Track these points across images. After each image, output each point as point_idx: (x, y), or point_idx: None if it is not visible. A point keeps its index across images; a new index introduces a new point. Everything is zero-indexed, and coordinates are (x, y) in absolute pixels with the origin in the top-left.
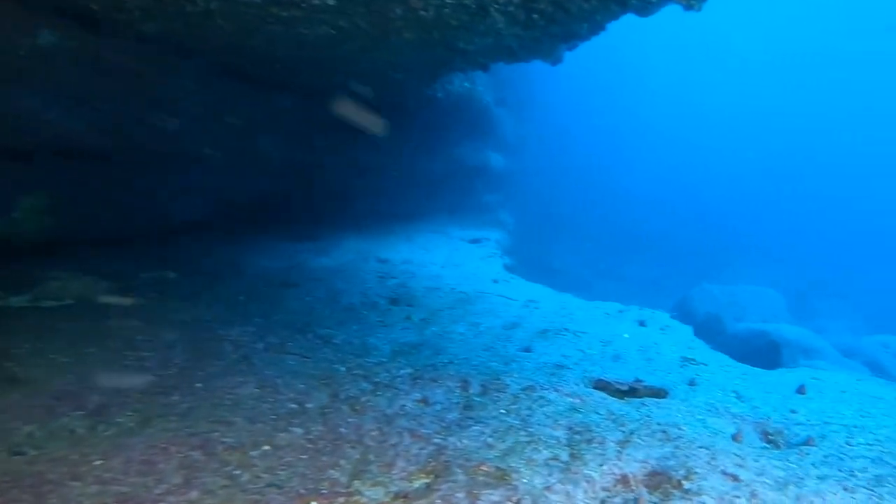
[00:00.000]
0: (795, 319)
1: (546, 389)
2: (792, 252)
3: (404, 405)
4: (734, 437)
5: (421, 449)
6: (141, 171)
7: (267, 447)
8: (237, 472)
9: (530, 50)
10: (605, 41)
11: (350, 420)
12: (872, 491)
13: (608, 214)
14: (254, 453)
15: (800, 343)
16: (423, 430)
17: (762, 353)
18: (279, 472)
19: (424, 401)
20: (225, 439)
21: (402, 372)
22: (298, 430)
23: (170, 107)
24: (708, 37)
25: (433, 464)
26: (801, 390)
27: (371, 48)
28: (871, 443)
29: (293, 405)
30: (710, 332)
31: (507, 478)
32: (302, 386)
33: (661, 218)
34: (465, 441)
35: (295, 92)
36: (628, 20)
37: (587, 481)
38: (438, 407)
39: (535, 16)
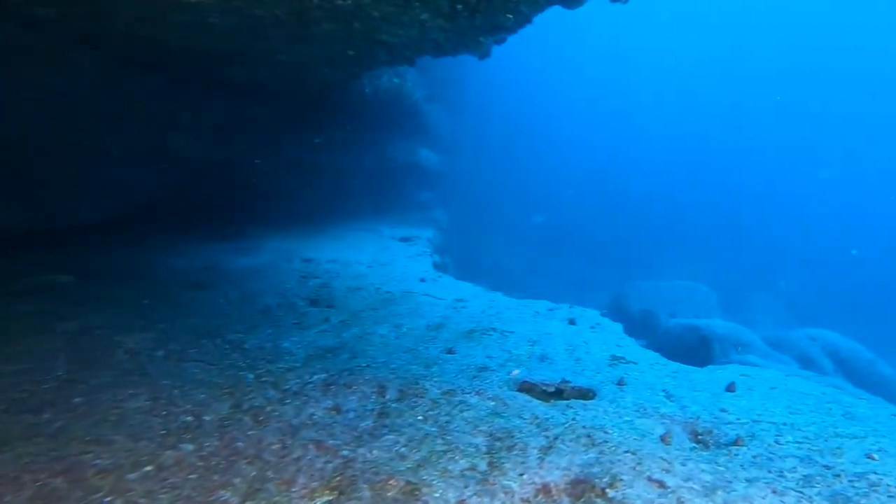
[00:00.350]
0: (727, 313)
1: (467, 393)
2: (722, 247)
3: (313, 414)
4: (663, 439)
5: (326, 462)
6: (40, 166)
7: (149, 468)
8: (107, 499)
9: (456, 43)
10: (546, 38)
11: (251, 433)
12: (801, 493)
13: (546, 212)
14: (132, 476)
15: (730, 337)
16: (331, 442)
17: (694, 347)
18: (160, 497)
19: (336, 409)
20: (99, 461)
21: (315, 378)
22: (189, 447)
23: (70, 98)
24: (641, 33)
25: (338, 479)
26: (730, 388)
27: (291, 40)
28: (800, 441)
29: (188, 418)
30: (645, 327)
31: (417, 492)
32: (202, 396)
33: (598, 215)
34: (375, 452)
35: (214, 87)
36: (560, 15)
37: (505, 492)
38: (351, 415)
39: (459, 6)
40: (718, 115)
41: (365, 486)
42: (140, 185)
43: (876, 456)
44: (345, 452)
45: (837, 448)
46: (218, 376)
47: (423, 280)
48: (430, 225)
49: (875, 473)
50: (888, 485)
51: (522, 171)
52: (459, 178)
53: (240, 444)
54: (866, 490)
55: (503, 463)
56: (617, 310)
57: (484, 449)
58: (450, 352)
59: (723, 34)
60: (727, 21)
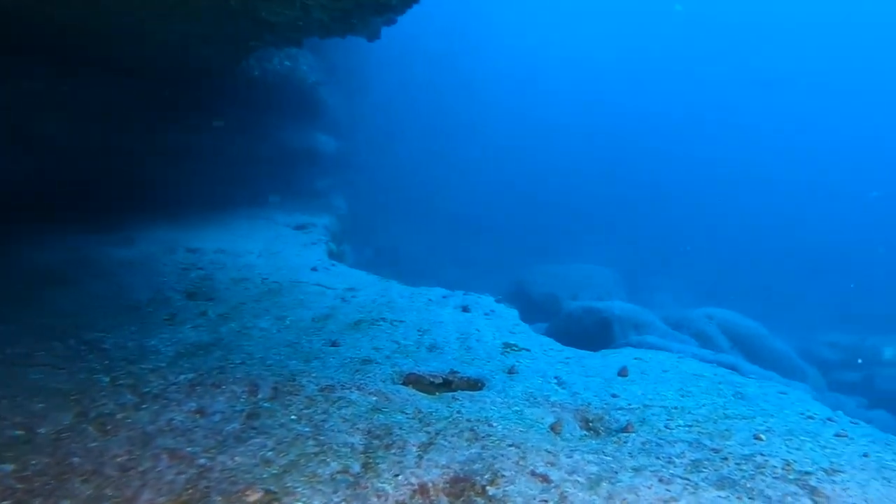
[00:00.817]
0: (629, 296)
1: (348, 389)
2: (625, 231)
3: (173, 419)
4: (553, 428)
5: (178, 474)
6: None
7: None
8: None
9: (343, 23)
10: (456, 26)
11: (92, 445)
12: (688, 479)
13: (452, 197)
14: None
15: (630, 319)
16: (189, 449)
17: (596, 329)
18: None
19: (200, 411)
20: None
21: (180, 378)
22: (8, 467)
23: None
24: (553, 19)
25: (190, 492)
26: (622, 373)
27: (166, 17)
28: (690, 424)
29: (17, 432)
30: (547, 311)
31: (275, 503)
32: (40, 406)
33: (504, 200)
34: (238, 459)
35: (88, 68)
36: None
37: (378, 496)
38: (217, 417)
39: None
40: (629, 106)
41: (219, 498)
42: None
43: (763, 436)
44: (202, 461)
45: (726, 430)
46: (66, 381)
47: (314, 269)
48: (327, 212)
49: (762, 455)
50: (774, 466)
51: (435, 159)
52: (366, 165)
53: (76, 459)
54: (752, 472)
55: (379, 463)
56: (520, 294)
57: (360, 448)
58: (334, 344)
59: (636, 24)
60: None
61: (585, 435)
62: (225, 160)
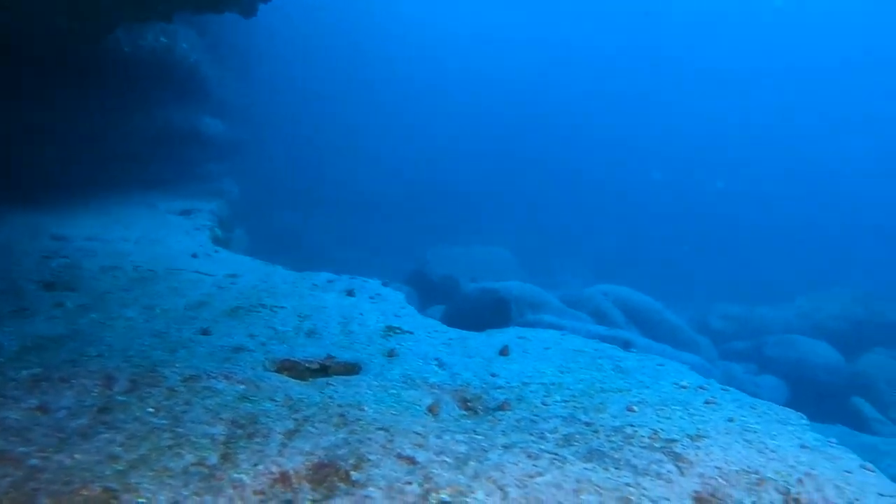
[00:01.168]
0: (531, 277)
1: (214, 378)
2: (527, 213)
3: (6, 418)
4: (430, 410)
5: (2, 477)
6: None
7: None
8: None
9: None
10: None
11: None
12: (557, 454)
13: (358, 181)
14: None
15: (526, 298)
16: (21, 450)
17: (493, 310)
18: None
19: (42, 408)
20: None
21: (22, 374)
22: None
23: None
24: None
25: (11, 495)
26: (503, 352)
27: None
28: (566, 399)
29: None
30: (447, 293)
31: (113, 501)
32: None
33: (409, 182)
34: (78, 457)
35: None
36: None
37: (235, 487)
38: (62, 414)
39: None
40: (528, 85)
41: (47, 500)
42: None
43: (636, 408)
44: (33, 461)
45: (601, 404)
46: None
47: (194, 256)
48: (216, 197)
49: (631, 426)
50: (642, 436)
51: (340, 142)
52: (266, 149)
53: None
54: (621, 443)
55: (238, 454)
56: (419, 277)
57: (221, 439)
58: (205, 333)
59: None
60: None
61: (463, 415)
62: (103, 143)
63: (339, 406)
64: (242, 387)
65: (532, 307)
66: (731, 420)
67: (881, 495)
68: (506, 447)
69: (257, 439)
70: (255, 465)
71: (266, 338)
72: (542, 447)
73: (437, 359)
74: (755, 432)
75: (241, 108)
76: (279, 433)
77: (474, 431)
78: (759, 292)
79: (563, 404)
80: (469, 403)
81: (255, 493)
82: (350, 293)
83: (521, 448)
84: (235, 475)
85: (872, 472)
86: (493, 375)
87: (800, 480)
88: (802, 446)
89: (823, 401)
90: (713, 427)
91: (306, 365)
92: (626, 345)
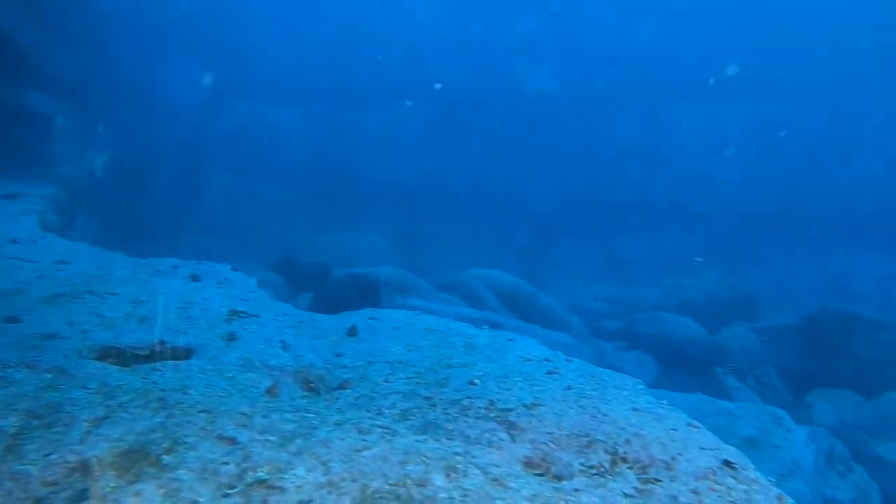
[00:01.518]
0: (406, 262)
1: (12, 368)
2: (403, 199)
3: None
4: (269, 391)
5: None
6: None
7: None
8: None
9: None
10: None
11: None
12: (388, 428)
13: (228, 166)
14: None
15: (396, 283)
16: None
17: (362, 295)
18: None
19: None
20: None
21: None
22: None
23: None
24: None
25: None
26: (351, 332)
27: None
28: (410, 376)
29: None
30: (318, 280)
31: None
32: None
33: (284, 168)
34: None
35: None
36: None
37: (15, 479)
38: None
39: None
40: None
41: None
42: None
43: (478, 381)
44: None
45: (444, 379)
46: None
47: (15, 241)
48: (51, 181)
49: (469, 398)
50: (479, 407)
51: (209, 124)
52: (125, 131)
53: None
54: (457, 415)
55: (27, 445)
56: (288, 265)
57: (11, 432)
58: (12, 321)
59: None
60: None
61: (305, 396)
62: None
63: (162, 391)
64: (49, 376)
65: (401, 292)
66: (568, 388)
67: (702, 448)
68: (337, 424)
69: (57, 429)
70: (47, 455)
71: (90, 325)
72: (377, 423)
73: (282, 341)
74: (590, 398)
75: (83, 84)
76: (85, 421)
77: (307, 410)
78: (634, 273)
79: (406, 381)
80: (311, 384)
81: (45, 484)
82: (195, 278)
83: (353, 424)
84: (18, 467)
85: (698, 428)
86: (339, 356)
87: (627, 441)
88: (634, 409)
89: (693, 373)
90: (550, 396)
91: (134, 352)
92: (496, 326)
